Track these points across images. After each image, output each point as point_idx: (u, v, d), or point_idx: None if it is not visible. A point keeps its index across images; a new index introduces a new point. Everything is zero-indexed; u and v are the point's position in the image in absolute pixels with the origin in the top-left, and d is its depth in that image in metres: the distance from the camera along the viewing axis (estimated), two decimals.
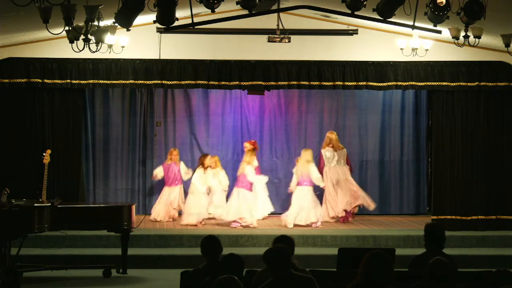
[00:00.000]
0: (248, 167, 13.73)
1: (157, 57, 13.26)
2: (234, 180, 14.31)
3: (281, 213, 14.17)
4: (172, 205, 14.38)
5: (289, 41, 12.61)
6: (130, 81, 13.34)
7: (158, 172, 14.50)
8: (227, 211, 13.76)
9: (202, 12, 11.42)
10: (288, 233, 7.21)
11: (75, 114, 13.51)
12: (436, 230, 7.18)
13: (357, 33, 13.49)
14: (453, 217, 13.69)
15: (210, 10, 8.43)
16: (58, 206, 10.50)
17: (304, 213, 13.75)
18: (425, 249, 7.11)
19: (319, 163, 14.54)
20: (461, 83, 13.66)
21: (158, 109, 15.51)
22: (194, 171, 14.40)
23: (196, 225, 13.62)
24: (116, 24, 9.17)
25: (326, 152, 14.46)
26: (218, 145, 15.47)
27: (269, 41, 12.55)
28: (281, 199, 15.13)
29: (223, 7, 9.17)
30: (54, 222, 10.39)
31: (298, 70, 13.49)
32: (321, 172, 14.22)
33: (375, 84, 13.62)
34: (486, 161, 13.73)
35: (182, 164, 14.52)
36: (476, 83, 13.64)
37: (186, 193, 14.40)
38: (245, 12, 8.89)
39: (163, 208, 14.33)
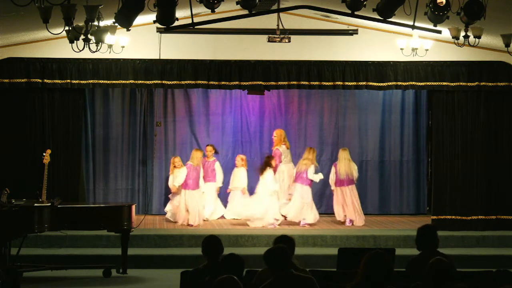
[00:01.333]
0: (312, 166, 13.83)
1: (157, 57, 13.25)
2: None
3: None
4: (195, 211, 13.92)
5: (289, 41, 12.60)
6: (130, 81, 13.34)
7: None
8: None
9: (202, 12, 11.42)
10: (288, 233, 7.21)
11: (75, 114, 13.51)
12: (429, 232, 7.13)
13: (357, 33, 13.47)
14: (453, 217, 13.69)
15: (210, 10, 8.44)
16: (58, 206, 10.50)
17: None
18: (419, 251, 7.09)
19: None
20: (461, 83, 13.66)
21: (158, 109, 15.51)
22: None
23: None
24: (116, 24, 9.18)
25: (282, 149, 14.49)
26: (218, 145, 15.44)
27: (269, 41, 12.54)
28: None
29: (223, 7, 9.17)
30: (54, 222, 10.40)
31: (298, 70, 13.48)
32: (275, 170, 14.17)
33: (375, 84, 13.62)
34: (486, 161, 13.73)
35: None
36: (476, 83, 13.64)
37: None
38: (245, 12, 8.90)
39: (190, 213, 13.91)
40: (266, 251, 5.90)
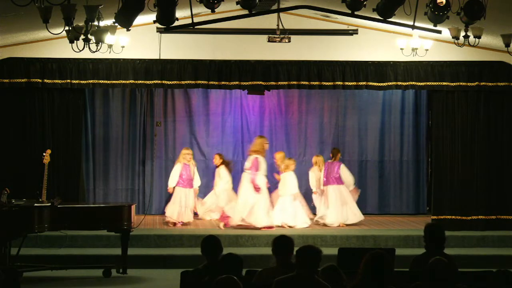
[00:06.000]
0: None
1: (157, 57, 13.26)
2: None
3: None
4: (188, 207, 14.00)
5: (289, 41, 12.61)
6: (130, 81, 13.34)
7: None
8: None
9: (202, 12, 11.42)
10: (287, 234, 7.21)
11: (75, 114, 13.52)
12: (436, 230, 7.18)
13: (357, 33, 13.47)
14: (453, 217, 13.69)
15: (210, 10, 8.43)
16: (58, 206, 10.50)
17: None
18: (425, 250, 7.10)
19: None
20: (461, 83, 13.66)
21: (158, 109, 15.52)
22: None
23: None
24: (116, 24, 9.18)
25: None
26: (218, 145, 15.47)
27: (269, 41, 12.55)
28: None
29: (223, 7, 9.17)
30: (54, 222, 10.39)
31: (298, 70, 13.49)
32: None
33: (375, 84, 13.62)
34: (486, 161, 13.73)
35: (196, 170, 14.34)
36: (476, 83, 13.64)
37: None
38: (245, 12, 8.90)
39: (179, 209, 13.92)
40: (301, 247, 5.92)
